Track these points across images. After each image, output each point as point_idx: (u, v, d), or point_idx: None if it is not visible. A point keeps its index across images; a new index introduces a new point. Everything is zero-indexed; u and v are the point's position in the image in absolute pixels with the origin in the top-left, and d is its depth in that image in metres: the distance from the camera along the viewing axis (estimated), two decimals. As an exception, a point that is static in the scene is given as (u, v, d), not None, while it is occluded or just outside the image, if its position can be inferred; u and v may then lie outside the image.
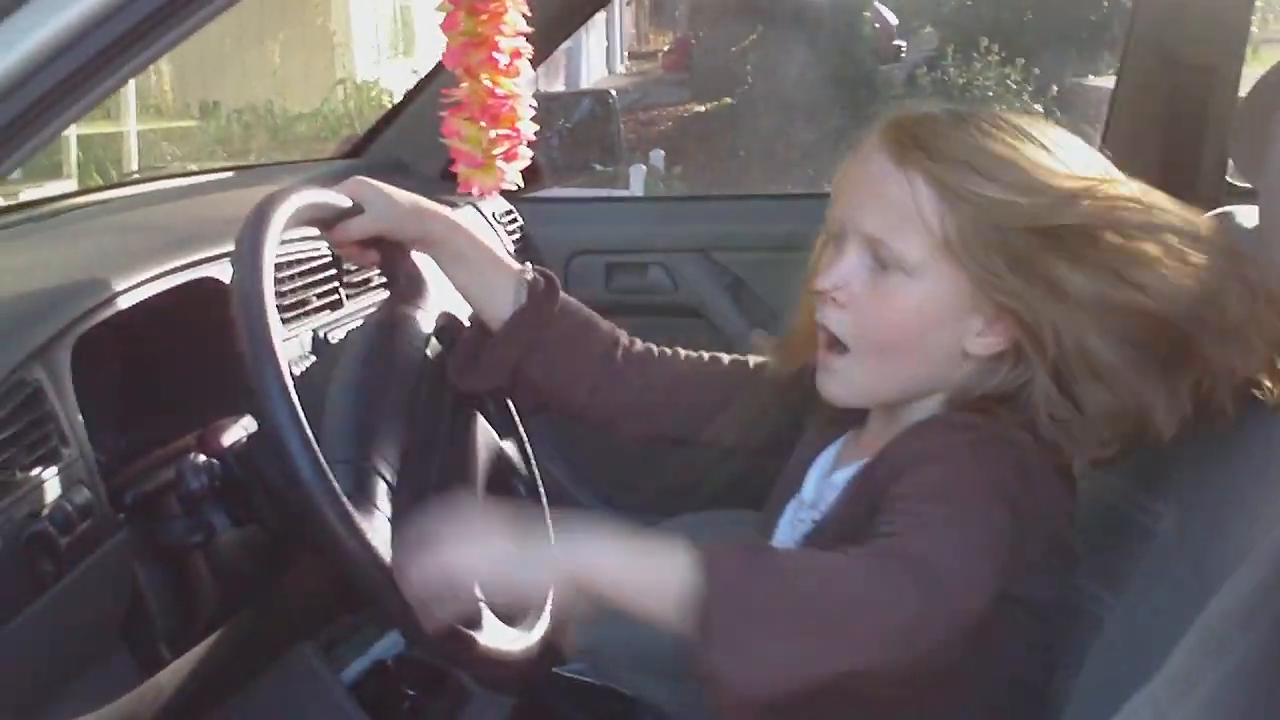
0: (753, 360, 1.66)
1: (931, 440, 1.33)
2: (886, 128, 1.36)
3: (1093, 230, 1.30)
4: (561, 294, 1.62)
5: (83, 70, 1.24)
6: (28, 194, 4.62)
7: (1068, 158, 1.35)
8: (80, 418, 1.46)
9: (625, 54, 20.61)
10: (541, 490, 1.75)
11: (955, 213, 1.30)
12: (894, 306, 1.34)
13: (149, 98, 10.97)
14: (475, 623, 1.47)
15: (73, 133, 8.78)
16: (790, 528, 1.50)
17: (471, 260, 1.60)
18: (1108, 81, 2.97)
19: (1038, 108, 11.78)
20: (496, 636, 1.48)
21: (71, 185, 7.90)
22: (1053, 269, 1.30)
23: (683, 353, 1.66)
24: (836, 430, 1.53)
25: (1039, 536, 1.31)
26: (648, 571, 1.22)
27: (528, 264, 1.63)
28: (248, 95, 11.44)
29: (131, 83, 9.29)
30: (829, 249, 1.40)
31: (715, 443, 1.65)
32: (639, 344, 1.65)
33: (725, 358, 1.66)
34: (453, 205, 2.52)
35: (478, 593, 1.48)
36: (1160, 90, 2.75)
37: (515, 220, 2.81)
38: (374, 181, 1.57)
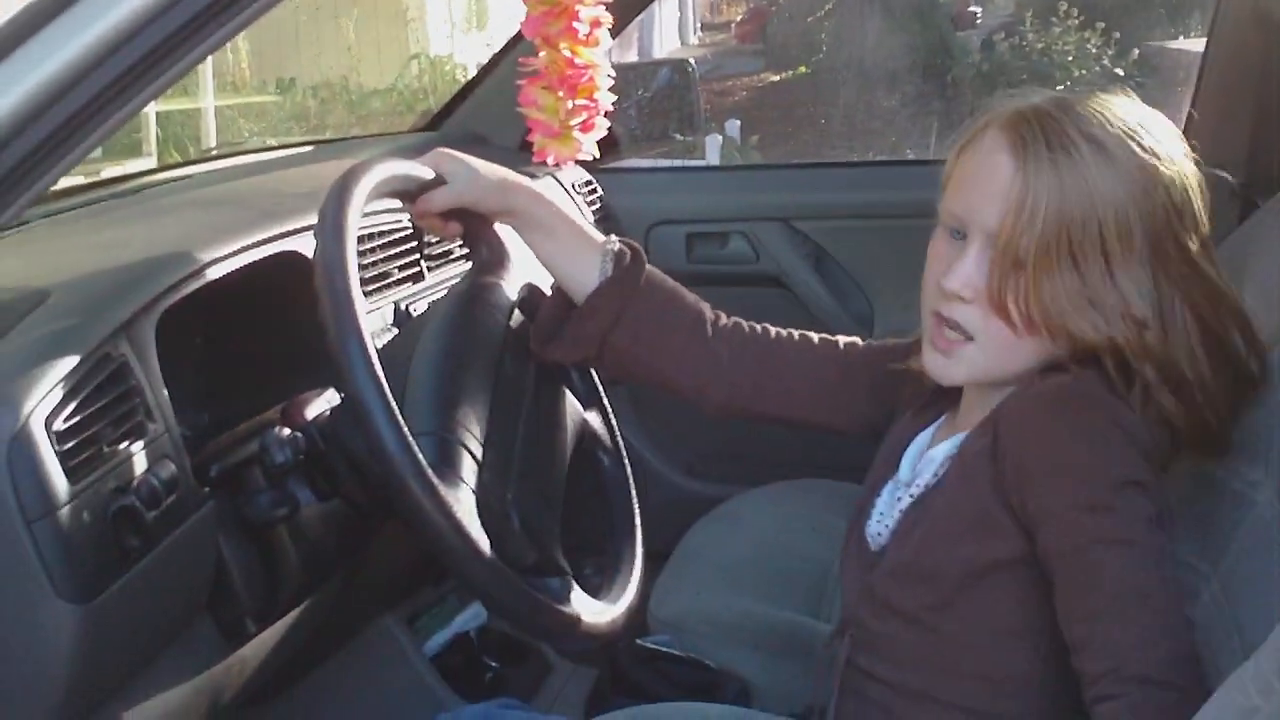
0: (843, 341, 1.66)
1: (1046, 422, 1.35)
2: (1006, 122, 1.36)
3: (1192, 214, 1.36)
4: (648, 265, 1.61)
5: (155, 52, 1.23)
6: (109, 172, 4.65)
7: (1164, 139, 1.37)
8: (165, 392, 1.46)
9: (698, 25, 20.53)
10: (626, 461, 1.74)
11: (1078, 205, 1.31)
12: (1019, 301, 1.34)
13: (226, 75, 11.03)
14: (562, 596, 1.46)
15: (151, 110, 8.84)
16: (889, 506, 1.50)
17: (556, 232, 1.60)
18: (1191, 44, 2.91)
19: (1119, 72, 11.66)
20: (580, 609, 1.47)
21: (151, 162, 7.94)
22: (1162, 246, 1.34)
23: (773, 330, 1.65)
24: (933, 414, 1.53)
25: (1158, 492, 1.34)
26: None
27: (612, 235, 1.63)
28: (323, 71, 11.48)
29: (209, 60, 9.37)
30: (944, 241, 1.42)
31: (804, 423, 1.65)
32: (727, 318, 1.64)
33: (815, 338, 1.66)
34: (532, 176, 2.51)
35: (563, 563, 1.49)
36: (1254, 52, 2.70)
37: (595, 191, 2.80)
38: (457, 153, 1.57)
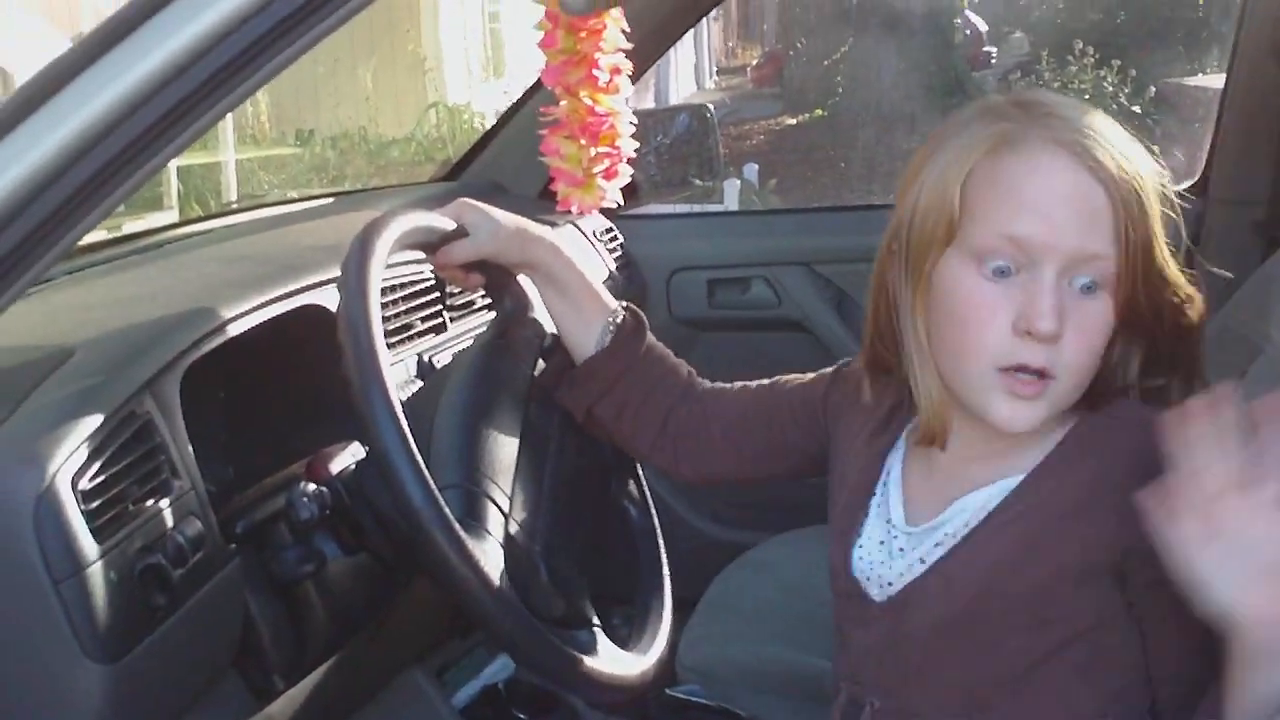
0: (772, 381, 1.62)
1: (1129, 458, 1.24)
2: (1066, 137, 1.24)
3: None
4: (647, 338, 1.61)
5: (175, 111, 1.23)
6: (130, 227, 4.66)
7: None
8: (190, 449, 1.45)
9: (714, 69, 20.62)
10: (653, 511, 1.73)
11: (1128, 208, 1.23)
12: (1098, 328, 1.25)
13: (245, 128, 11.11)
14: (590, 648, 1.45)
15: (173, 165, 8.90)
16: (881, 550, 1.40)
17: (569, 289, 1.59)
18: (1208, 81, 2.91)
19: (1135, 110, 11.67)
20: (609, 660, 1.46)
21: (173, 216, 8.00)
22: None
23: (752, 386, 1.61)
24: (888, 439, 1.44)
25: None
26: None
27: (620, 304, 1.62)
28: (342, 122, 11.56)
29: (229, 114, 9.44)
30: (982, 282, 1.25)
31: (771, 477, 1.62)
32: (705, 386, 1.63)
33: (780, 387, 1.60)
34: (553, 224, 2.51)
35: (591, 615, 1.47)
36: (1274, 86, 2.70)
37: (616, 238, 2.80)
38: (478, 203, 1.56)
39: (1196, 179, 2.86)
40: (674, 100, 14.29)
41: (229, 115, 7.88)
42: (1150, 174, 1.26)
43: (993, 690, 1.31)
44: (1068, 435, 1.30)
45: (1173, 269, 1.27)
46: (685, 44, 17.72)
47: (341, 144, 11.41)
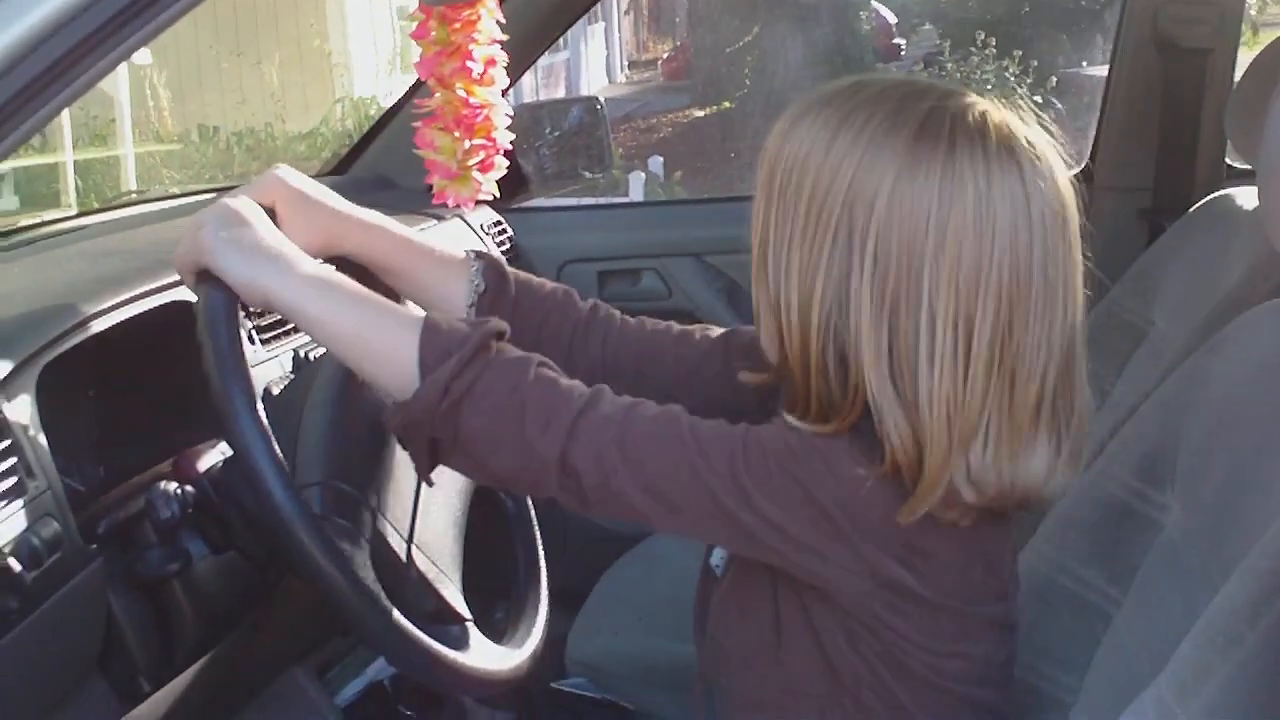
0: (715, 331, 1.56)
1: None
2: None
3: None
4: (511, 292, 1.53)
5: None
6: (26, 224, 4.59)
7: None
8: (47, 448, 1.42)
9: (625, 63, 20.60)
10: (529, 502, 1.72)
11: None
12: None
13: (148, 124, 10.96)
14: (461, 644, 1.44)
15: (69, 160, 8.77)
16: None
17: (401, 273, 1.51)
18: (1105, 70, 2.95)
19: (1037, 99, 11.77)
20: (481, 655, 1.45)
21: (73, 212, 7.88)
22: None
23: (648, 322, 1.56)
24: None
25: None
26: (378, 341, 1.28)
27: (472, 263, 1.53)
28: (247, 118, 11.44)
29: (127, 107, 9.31)
30: None
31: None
32: (602, 308, 1.56)
33: (695, 330, 1.56)
34: (439, 219, 2.50)
35: (463, 610, 1.46)
36: (1155, 75, 2.73)
37: (505, 231, 2.78)
38: (294, 183, 1.47)
39: (1082, 166, 2.89)
40: (585, 93, 14.28)
41: (127, 108, 7.77)
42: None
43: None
44: None
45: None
46: (596, 38, 17.71)
47: (247, 140, 11.29)
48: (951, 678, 1.28)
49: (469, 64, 1.66)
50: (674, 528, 1.25)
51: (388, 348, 1.27)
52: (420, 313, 1.31)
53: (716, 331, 1.56)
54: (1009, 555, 1.34)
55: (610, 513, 1.24)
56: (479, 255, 1.54)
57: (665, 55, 19.47)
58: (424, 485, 1.51)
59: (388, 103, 12.15)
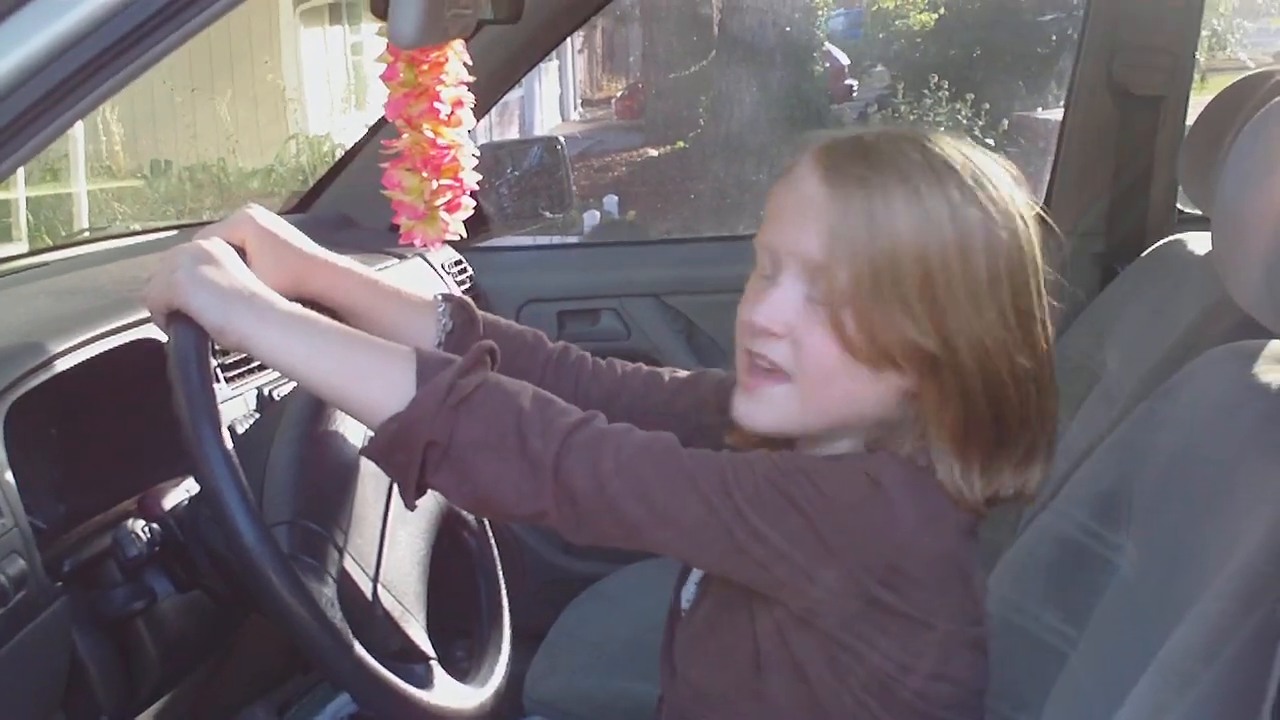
0: (682, 374, 1.57)
1: None
2: (820, 150, 1.29)
3: (1015, 260, 1.26)
4: (479, 331, 1.53)
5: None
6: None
7: (1000, 184, 1.28)
8: (14, 485, 1.42)
9: (579, 101, 20.65)
10: (492, 541, 1.72)
11: (887, 235, 1.23)
12: (830, 336, 1.25)
13: (100, 159, 10.92)
14: (426, 682, 1.45)
15: (21, 196, 8.73)
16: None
17: (368, 316, 1.51)
18: (1058, 113, 2.99)
19: (989, 142, 11.87)
20: (446, 694, 1.45)
21: (23, 248, 7.83)
22: (966, 291, 1.24)
23: (619, 365, 1.57)
24: None
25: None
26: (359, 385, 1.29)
27: (440, 305, 1.55)
28: (199, 154, 11.41)
29: (80, 143, 9.27)
30: (756, 277, 1.32)
31: None
32: (573, 350, 1.57)
33: (664, 373, 1.57)
34: (400, 258, 2.51)
35: (428, 649, 1.46)
36: (1110, 120, 2.77)
37: (465, 270, 2.79)
38: (267, 225, 1.48)
39: (1035, 210, 2.92)
40: (539, 132, 14.30)
41: (80, 144, 7.73)
42: (955, 228, 1.24)
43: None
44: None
45: (984, 326, 1.24)
46: (550, 75, 17.75)
47: (200, 176, 11.25)
48: (939, 704, 1.29)
49: (436, 105, 1.67)
50: (664, 541, 1.24)
51: (378, 375, 1.28)
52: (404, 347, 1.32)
53: (684, 374, 1.57)
54: (981, 581, 1.36)
55: (601, 527, 1.24)
56: (446, 297, 1.55)
57: (619, 94, 19.53)
58: (388, 524, 1.52)
59: (342, 140, 12.18)
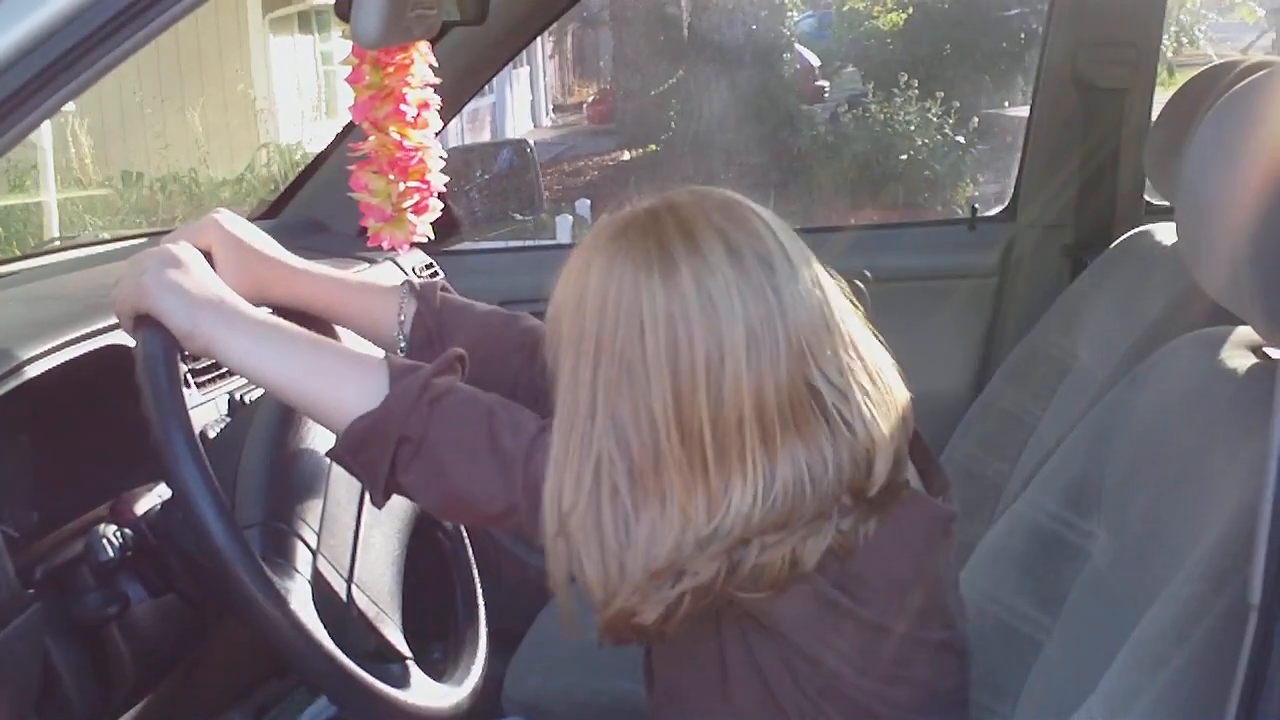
0: None
1: None
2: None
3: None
4: (447, 296, 1.55)
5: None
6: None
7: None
8: (-16, 493, 1.42)
9: (550, 107, 20.66)
10: (466, 541, 1.72)
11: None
12: None
13: (70, 170, 10.87)
14: (403, 682, 1.44)
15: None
16: None
17: (335, 318, 1.53)
18: (1025, 111, 3.00)
19: (960, 139, 11.93)
20: (422, 693, 1.45)
21: (-5, 260, 7.80)
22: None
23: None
24: None
25: None
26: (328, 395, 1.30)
27: (402, 298, 1.55)
28: (170, 164, 11.37)
29: (50, 153, 9.23)
30: None
31: None
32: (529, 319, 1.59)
33: None
34: (371, 261, 2.50)
35: (404, 648, 1.46)
36: (1075, 114, 2.78)
37: (437, 274, 2.78)
38: (233, 229, 1.49)
39: (1006, 204, 2.94)
40: (510, 137, 14.29)
41: (49, 154, 7.68)
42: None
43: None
44: None
45: None
46: (521, 82, 17.75)
47: (171, 186, 11.21)
48: (898, 706, 1.30)
49: (402, 107, 1.68)
50: None
51: (350, 379, 1.28)
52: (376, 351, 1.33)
53: None
54: (952, 582, 1.37)
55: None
56: (410, 286, 1.56)
57: (590, 99, 19.56)
58: (361, 526, 1.52)
59: (313, 148, 12.14)
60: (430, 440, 1.24)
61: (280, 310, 1.43)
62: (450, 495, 1.26)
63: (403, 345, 1.52)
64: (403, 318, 1.53)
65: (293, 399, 1.34)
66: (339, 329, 1.54)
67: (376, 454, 1.25)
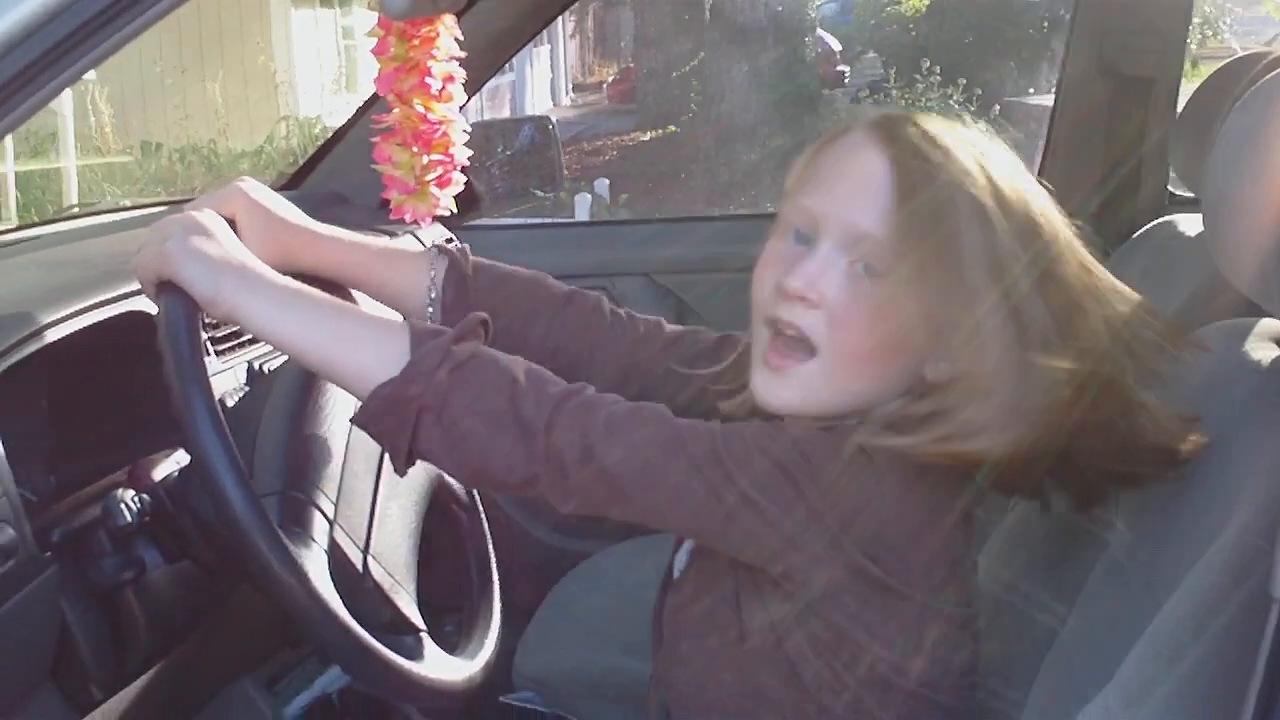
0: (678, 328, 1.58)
1: None
2: (875, 122, 1.28)
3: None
4: (470, 298, 1.53)
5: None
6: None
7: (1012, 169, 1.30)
8: (3, 456, 1.42)
9: (570, 86, 20.64)
10: (483, 515, 1.72)
11: (951, 214, 1.22)
12: (873, 310, 1.24)
13: (90, 138, 10.88)
14: (416, 653, 1.45)
15: (10, 172, 8.71)
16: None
17: (364, 288, 1.52)
18: (1048, 99, 2.99)
19: (981, 126, 11.88)
20: (435, 666, 1.45)
21: (12, 224, 7.81)
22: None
23: (624, 312, 1.57)
24: None
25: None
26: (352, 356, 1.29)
27: (430, 261, 1.55)
28: (190, 135, 11.38)
29: (70, 120, 9.25)
30: (784, 243, 1.30)
31: None
32: (578, 293, 1.58)
33: (666, 326, 1.58)
34: (392, 234, 2.50)
35: (418, 621, 1.46)
36: (1100, 102, 2.76)
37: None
38: (258, 197, 1.48)
39: (1027, 193, 2.92)
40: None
41: (70, 121, 7.70)
42: (1003, 180, 1.26)
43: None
44: None
45: (1033, 317, 1.24)
46: (542, 60, 17.75)
47: (190, 157, 11.23)
48: (914, 679, 1.29)
49: (427, 80, 1.67)
50: (652, 507, 1.24)
51: (371, 344, 1.28)
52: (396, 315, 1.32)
53: (679, 328, 1.59)
54: (971, 565, 1.36)
55: (590, 492, 1.23)
56: (440, 249, 1.56)
57: (610, 78, 19.54)
58: (379, 497, 1.52)
59: (333, 122, 12.17)
60: (450, 408, 1.23)
61: (306, 277, 1.43)
62: (470, 464, 1.26)
63: (431, 311, 1.51)
64: (434, 274, 1.53)
65: (315, 365, 1.34)
66: (361, 297, 1.53)
67: (397, 422, 1.24)
